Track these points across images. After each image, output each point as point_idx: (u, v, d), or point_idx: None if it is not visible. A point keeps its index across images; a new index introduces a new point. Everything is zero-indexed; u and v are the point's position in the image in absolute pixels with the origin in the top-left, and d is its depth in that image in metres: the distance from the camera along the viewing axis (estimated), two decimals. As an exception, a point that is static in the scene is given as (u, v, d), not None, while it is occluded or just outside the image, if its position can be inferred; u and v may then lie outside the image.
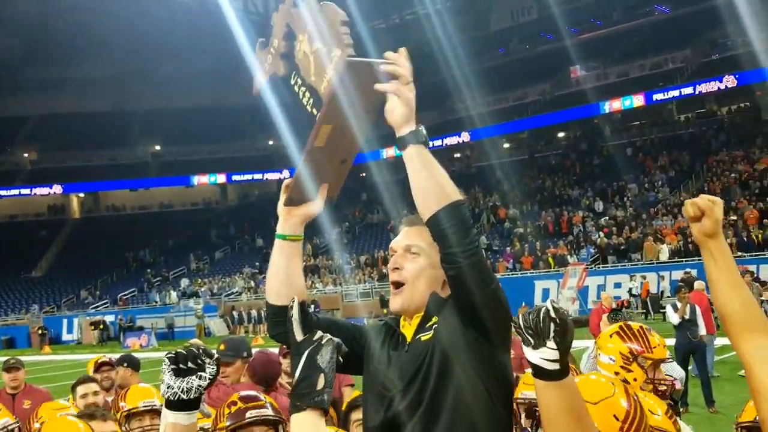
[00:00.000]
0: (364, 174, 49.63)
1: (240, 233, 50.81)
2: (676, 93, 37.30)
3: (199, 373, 2.00)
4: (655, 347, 3.38)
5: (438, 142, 42.29)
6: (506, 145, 46.72)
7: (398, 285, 2.18)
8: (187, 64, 49.96)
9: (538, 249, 32.69)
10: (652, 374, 3.38)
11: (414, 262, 2.16)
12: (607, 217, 33.53)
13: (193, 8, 46.44)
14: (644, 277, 26.90)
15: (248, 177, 54.37)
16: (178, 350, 2.04)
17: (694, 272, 24.03)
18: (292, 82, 2.18)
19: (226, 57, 48.17)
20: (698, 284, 14.81)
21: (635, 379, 3.35)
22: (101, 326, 37.25)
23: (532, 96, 46.80)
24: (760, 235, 27.05)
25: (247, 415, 3.00)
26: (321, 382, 1.67)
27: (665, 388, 3.40)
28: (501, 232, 36.96)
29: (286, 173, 52.39)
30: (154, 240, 51.23)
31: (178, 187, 55.15)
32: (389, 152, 43.64)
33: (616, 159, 39.30)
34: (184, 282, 43.54)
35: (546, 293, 29.08)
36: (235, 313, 36.40)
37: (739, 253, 26.72)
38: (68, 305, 45.29)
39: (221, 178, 53.86)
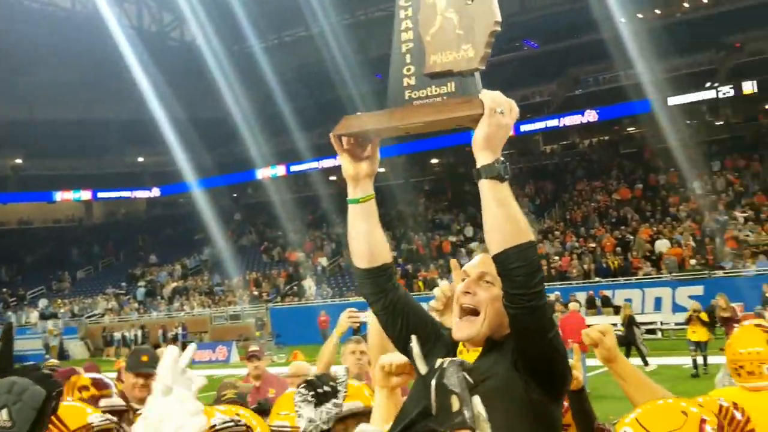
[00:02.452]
0: (236, 195, 48.92)
1: (104, 252, 48.77)
2: (542, 125, 38.95)
3: (333, 400, 2.08)
4: None
5: (315, 164, 42.29)
6: (382, 170, 47.25)
7: (468, 311, 2.11)
8: (54, 75, 47.70)
9: (410, 272, 33.25)
10: None
11: (487, 291, 2.11)
12: (477, 242, 34.51)
13: (60, 17, 44.59)
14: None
15: (115, 194, 52.28)
16: (310, 378, 2.09)
17: (558, 294, 25.12)
18: (402, 3, 2.17)
19: (96, 69, 46.60)
20: (573, 305, 16.09)
21: None
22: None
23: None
24: (616, 262, 28.59)
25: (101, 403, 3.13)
26: (456, 404, 1.63)
27: None
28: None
29: (156, 191, 50.92)
30: (11, 258, 48.35)
31: (39, 203, 52.27)
32: (265, 173, 43.27)
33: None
34: (43, 302, 41.28)
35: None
36: (105, 335, 34.88)
37: (597, 279, 28.20)
38: None
39: (86, 195, 51.38)
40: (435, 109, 2.08)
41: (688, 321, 16.73)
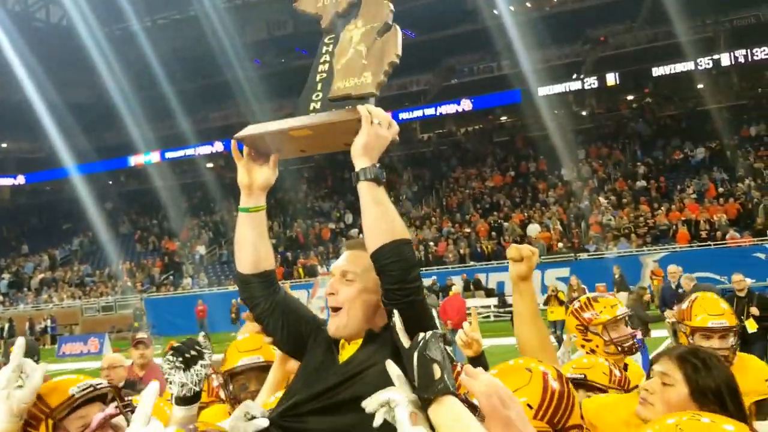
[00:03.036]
0: (111, 182, 47.23)
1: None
2: (420, 113, 39.66)
3: (200, 362, 2.11)
4: (600, 311, 3.63)
5: (192, 151, 41.40)
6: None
7: (335, 309, 2.19)
8: None
9: (290, 259, 33.17)
10: (608, 336, 3.59)
11: (349, 287, 2.19)
12: (356, 229, 34.82)
13: None
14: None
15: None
16: (175, 344, 2.13)
17: (434, 278, 25.85)
18: (326, 41, 2.43)
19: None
20: (454, 288, 16.78)
21: (597, 346, 3.59)
22: None
23: (287, 109, 47.33)
24: (489, 246, 29.60)
25: None
26: (437, 371, 1.70)
27: (630, 343, 3.61)
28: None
29: (21, 179, 48.32)
30: None
31: None
32: (138, 159, 41.96)
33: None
34: None
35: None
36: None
37: (472, 263, 29.11)
38: None
39: (-56, 182, 48.27)
40: (320, 117, 2.26)
41: (547, 301, 17.26)
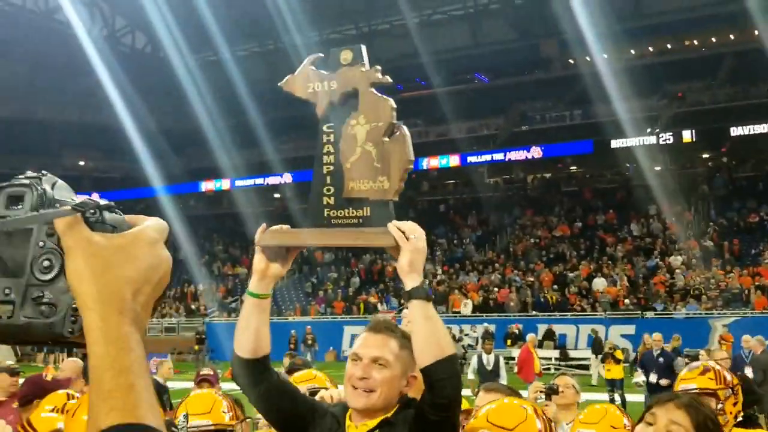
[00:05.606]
0: (181, 205, 48.18)
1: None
2: (488, 157, 39.62)
3: None
4: None
5: (260, 180, 42.15)
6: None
7: (368, 391, 2.26)
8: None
9: (350, 295, 33.30)
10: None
11: (381, 373, 2.25)
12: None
13: (8, 13, 43.55)
14: (449, 329, 28.03)
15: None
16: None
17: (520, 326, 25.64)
18: (325, 129, 2.38)
19: (39, 68, 45.59)
20: (530, 337, 16.67)
21: None
22: None
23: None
24: (554, 297, 29.17)
25: None
26: None
27: None
28: (316, 276, 37.24)
29: (95, 197, 49.67)
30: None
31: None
32: (208, 186, 42.97)
33: (429, 213, 41.09)
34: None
35: (353, 339, 29.60)
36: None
37: (534, 312, 28.70)
38: None
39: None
40: (353, 236, 2.30)
41: (604, 359, 16.86)
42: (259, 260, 2.33)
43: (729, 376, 3.46)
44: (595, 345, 21.59)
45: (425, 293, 2.17)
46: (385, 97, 2.31)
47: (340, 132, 2.33)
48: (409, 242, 2.15)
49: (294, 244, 2.36)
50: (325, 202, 2.34)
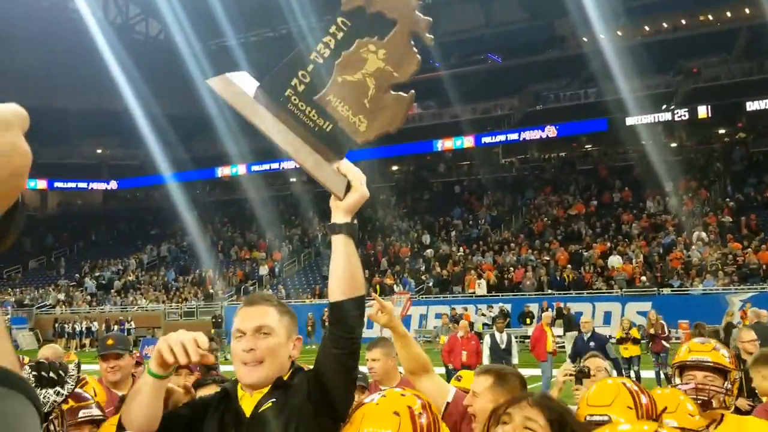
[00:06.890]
0: (198, 191, 48.56)
1: (58, 243, 48.05)
2: (502, 138, 39.56)
3: (58, 388, 2.01)
4: None
5: (276, 165, 42.35)
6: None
7: (258, 362, 2.25)
8: (9, 61, 46.87)
9: (366, 277, 33.43)
10: None
11: (267, 341, 2.25)
12: (432, 250, 34.91)
13: (23, 3, 43.88)
14: (465, 309, 28.04)
15: (72, 185, 51.54)
16: (41, 360, 2.07)
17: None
18: (339, 22, 2.05)
19: (56, 57, 45.95)
20: (544, 315, 16.70)
21: None
22: None
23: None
24: (571, 275, 29.18)
25: (80, 414, 3.17)
26: None
27: None
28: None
29: (114, 184, 50.38)
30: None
31: (-8, 190, 51.10)
32: (224, 171, 43.21)
33: (444, 195, 41.16)
34: (-8, 291, 40.59)
35: (369, 321, 29.75)
36: (57, 326, 34.36)
37: (550, 291, 28.73)
38: None
39: (42, 184, 50.52)
40: (311, 161, 2.12)
41: (622, 342, 16.40)
42: (180, 354, 2.08)
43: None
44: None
45: (352, 230, 2.19)
46: (416, 51, 2.05)
47: (352, 42, 2.04)
48: (362, 187, 2.18)
49: (248, 116, 2.10)
50: (293, 83, 2.08)
